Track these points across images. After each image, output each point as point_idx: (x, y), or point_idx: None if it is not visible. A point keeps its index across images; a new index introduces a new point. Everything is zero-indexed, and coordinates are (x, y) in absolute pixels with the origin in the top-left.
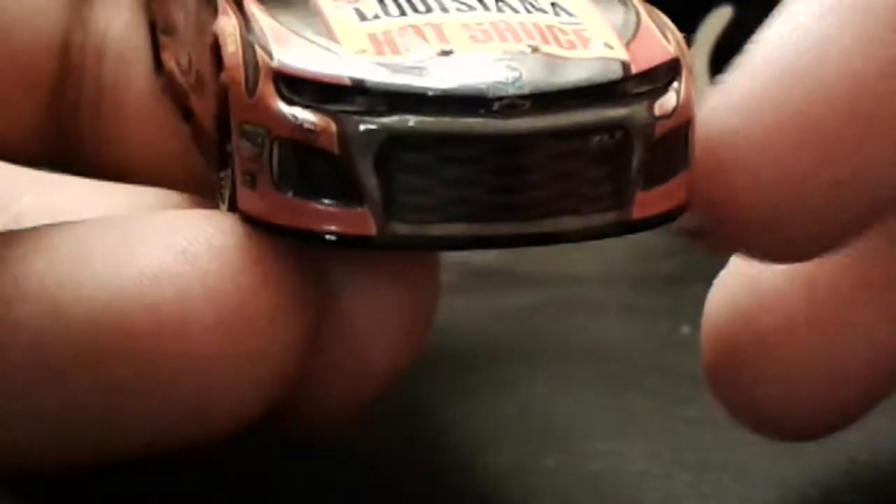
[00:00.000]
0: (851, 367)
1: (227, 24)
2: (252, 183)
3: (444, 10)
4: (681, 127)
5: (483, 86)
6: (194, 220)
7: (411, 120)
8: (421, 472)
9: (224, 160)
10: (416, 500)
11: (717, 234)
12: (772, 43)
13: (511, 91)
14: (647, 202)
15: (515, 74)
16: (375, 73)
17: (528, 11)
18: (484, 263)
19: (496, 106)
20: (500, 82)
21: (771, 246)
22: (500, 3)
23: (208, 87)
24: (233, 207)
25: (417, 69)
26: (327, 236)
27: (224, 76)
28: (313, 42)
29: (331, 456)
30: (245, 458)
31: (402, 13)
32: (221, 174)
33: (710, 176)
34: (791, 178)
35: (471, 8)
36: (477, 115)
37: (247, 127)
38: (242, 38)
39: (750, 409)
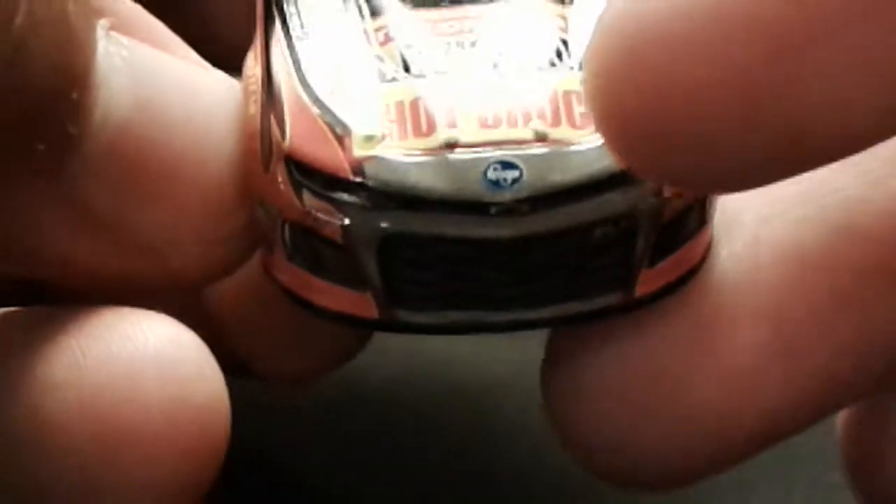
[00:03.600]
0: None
1: (252, 78)
2: (269, 247)
3: (466, 67)
4: (693, 202)
5: (481, 190)
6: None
7: (410, 221)
8: (418, 470)
9: None
10: (412, 498)
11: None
12: None
13: (509, 196)
14: (651, 278)
15: (515, 174)
16: (378, 168)
17: (553, 65)
18: None
19: (494, 210)
20: (499, 186)
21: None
22: (530, 55)
23: None
24: None
25: (419, 165)
26: (332, 314)
27: (243, 141)
28: (327, 122)
29: (322, 451)
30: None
31: (421, 73)
32: None
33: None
34: None
35: (494, 66)
36: (475, 218)
37: (262, 200)
38: (263, 104)
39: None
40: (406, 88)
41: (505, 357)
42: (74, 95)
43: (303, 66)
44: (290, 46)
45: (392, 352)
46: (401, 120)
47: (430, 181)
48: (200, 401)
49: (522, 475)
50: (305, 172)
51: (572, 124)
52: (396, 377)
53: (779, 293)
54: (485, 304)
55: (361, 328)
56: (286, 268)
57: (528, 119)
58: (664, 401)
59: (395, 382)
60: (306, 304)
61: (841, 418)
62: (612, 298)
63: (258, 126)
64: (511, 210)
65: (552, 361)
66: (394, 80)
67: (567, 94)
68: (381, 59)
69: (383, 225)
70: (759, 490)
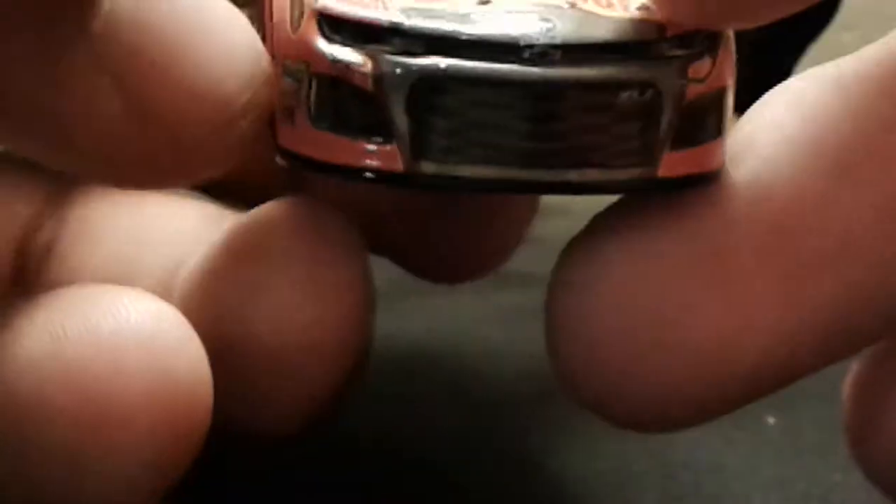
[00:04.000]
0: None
1: None
2: (291, 119)
3: None
4: (714, 93)
5: (515, 34)
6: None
7: (443, 63)
8: (416, 469)
9: None
10: (411, 498)
11: None
12: None
13: (542, 40)
14: (673, 163)
15: (549, 25)
16: (412, 16)
17: None
18: None
19: (527, 54)
20: (532, 31)
21: None
22: None
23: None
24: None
25: (454, 15)
26: (355, 171)
27: (271, 12)
28: None
29: (325, 452)
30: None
31: None
32: None
33: None
34: None
35: None
36: (508, 61)
37: (288, 63)
38: None
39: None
40: None
41: (502, 353)
42: None
43: None
44: None
45: (392, 349)
46: None
47: (464, 27)
48: (182, 374)
49: (522, 467)
50: (337, 25)
51: (599, 3)
52: (396, 373)
53: (781, 232)
54: (508, 161)
55: (385, 184)
56: (309, 135)
57: None
58: (664, 329)
59: (395, 379)
60: (329, 168)
61: (847, 386)
62: (633, 172)
63: (287, 6)
64: (544, 54)
65: (554, 293)
66: None
67: None
68: None
69: (414, 68)
70: (759, 489)
